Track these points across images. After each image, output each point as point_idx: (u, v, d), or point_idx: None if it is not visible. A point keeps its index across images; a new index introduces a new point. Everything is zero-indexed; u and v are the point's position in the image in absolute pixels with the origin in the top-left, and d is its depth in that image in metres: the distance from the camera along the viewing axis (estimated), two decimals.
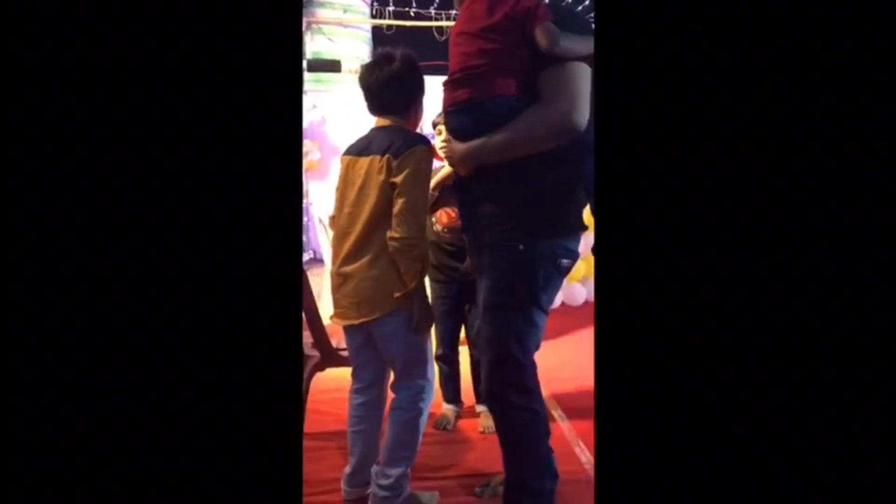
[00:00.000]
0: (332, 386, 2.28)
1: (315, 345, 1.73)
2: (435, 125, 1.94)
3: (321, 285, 3.48)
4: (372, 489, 1.45)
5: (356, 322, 1.39)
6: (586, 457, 1.75)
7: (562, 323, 3.43)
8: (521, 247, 1.20)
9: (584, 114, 1.10)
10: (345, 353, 1.76)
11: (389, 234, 1.32)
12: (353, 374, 1.54)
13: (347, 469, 1.53)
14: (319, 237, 3.40)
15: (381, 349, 1.44)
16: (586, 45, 1.11)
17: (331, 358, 1.75)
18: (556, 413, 2.10)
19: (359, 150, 1.41)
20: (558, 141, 1.12)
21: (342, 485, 1.53)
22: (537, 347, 1.28)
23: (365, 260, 1.36)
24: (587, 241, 4.03)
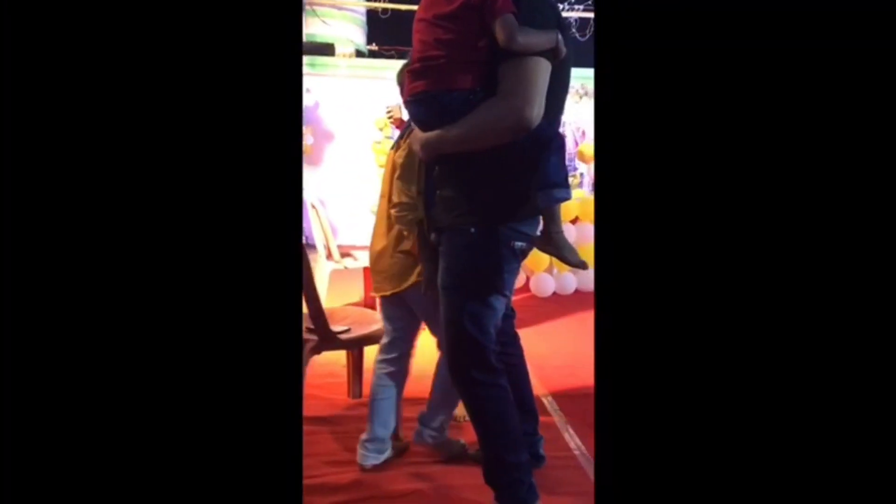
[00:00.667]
0: (325, 371, 2.30)
1: (312, 328, 1.75)
2: (388, 109, 2.01)
3: (313, 269, 3.49)
4: (418, 429, 1.64)
5: (388, 293, 1.57)
6: (575, 442, 1.79)
7: (552, 311, 3.47)
8: (472, 230, 1.22)
9: (537, 110, 1.09)
10: (343, 337, 1.79)
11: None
12: (384, 346, 1.67)
13: (365, 436, 1.61)
14: (311, 222, 3.40)
15: (420, 316, 1.61)
16: (547, 39, 1.10)
17: (328, 341, 1.77)
18: (546, 399, 2.13)
19: (398, 143, 1.57)
20: (511, 137, 1.12)
21: (359, 450, 1.60)
22: (496, 328, 1.31)
23: (394, 236, 1.54)
24: (582, 231, 4.02)
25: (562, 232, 1.22)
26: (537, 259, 3.63)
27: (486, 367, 1.29)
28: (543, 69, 1.11)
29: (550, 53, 1.11)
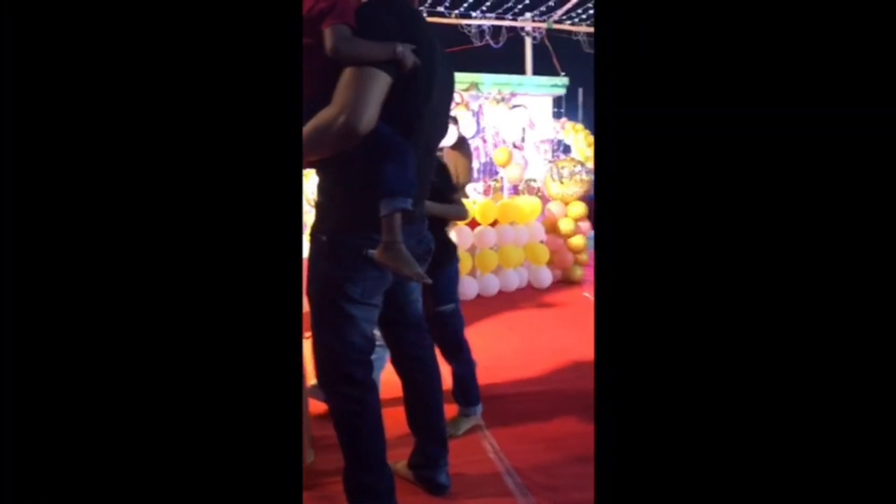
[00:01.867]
0: None
1: None
2: None
3: None
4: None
5: None
6: (490, 443, 1.88)
7: (477, 313, 3.56)
8: (323, 238, 1.27)
9: (366, 118, 1.12)
10: None
11: None
12: None
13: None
14: None
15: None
16: (381, 50, 1.14)
17: None
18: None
19: None
20: (341, 144, 1.15)
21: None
22: (364, 338, 1.30)
23: None
24: (501, 233, 4.13)
25: (399, 243, 1.20)
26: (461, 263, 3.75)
27: (346, 380, 1.29)
28: (374, 79, 1.13)
29: (391, 65, 1.15)
